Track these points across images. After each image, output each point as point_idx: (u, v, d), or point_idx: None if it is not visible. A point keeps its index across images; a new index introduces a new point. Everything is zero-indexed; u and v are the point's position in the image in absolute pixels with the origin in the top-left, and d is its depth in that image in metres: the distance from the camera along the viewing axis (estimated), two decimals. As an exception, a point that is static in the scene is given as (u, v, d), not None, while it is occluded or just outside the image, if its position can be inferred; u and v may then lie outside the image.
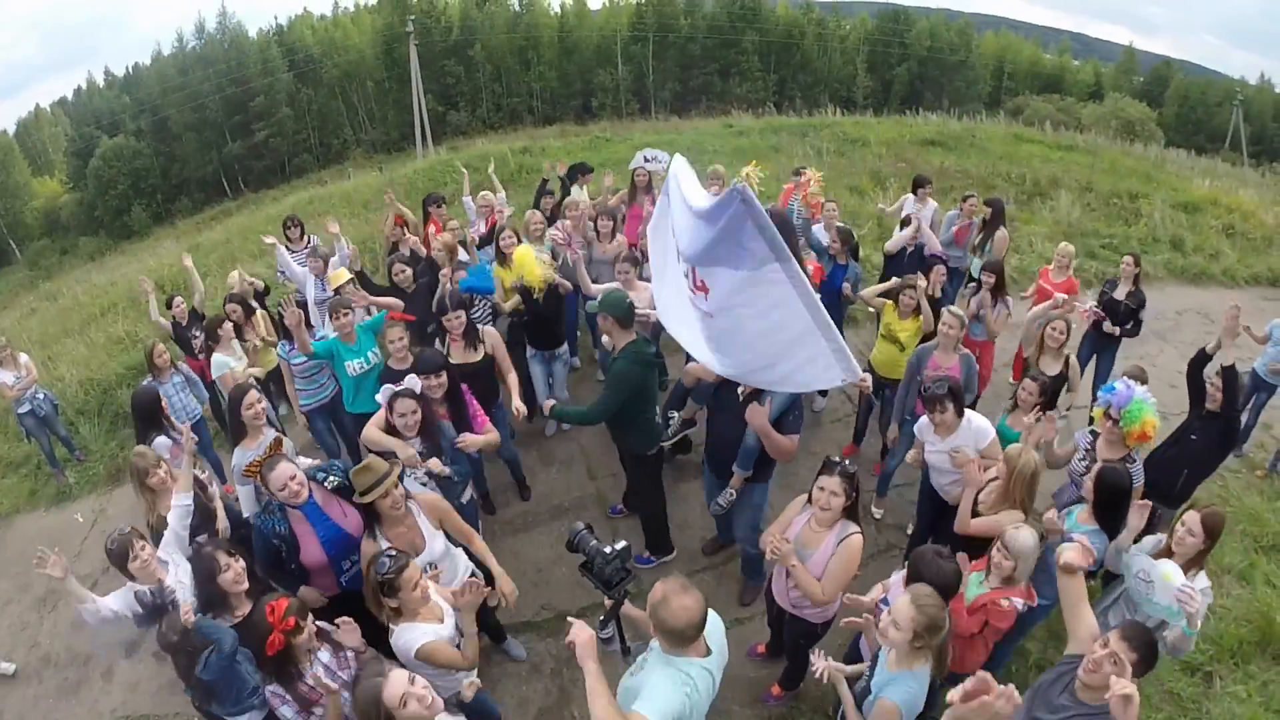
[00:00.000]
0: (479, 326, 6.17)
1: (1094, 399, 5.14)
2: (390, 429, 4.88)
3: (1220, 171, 22.15)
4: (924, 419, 5.16)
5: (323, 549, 4.34)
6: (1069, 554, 3.37)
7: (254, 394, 5.26)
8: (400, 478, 4.27)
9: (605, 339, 5.39)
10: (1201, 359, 5.43)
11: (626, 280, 6.51)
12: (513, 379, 6.06)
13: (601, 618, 3.41)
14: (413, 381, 4.92)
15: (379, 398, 4.92)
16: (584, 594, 5.97)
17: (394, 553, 3.66)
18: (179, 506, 4.57)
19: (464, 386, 5.31)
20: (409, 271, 6.98)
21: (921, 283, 6.44)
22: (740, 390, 4.85)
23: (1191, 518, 3.88)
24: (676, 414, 6.42)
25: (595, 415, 5.34)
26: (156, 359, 6.80)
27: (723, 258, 3.91)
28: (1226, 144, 49.08)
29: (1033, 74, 65.98)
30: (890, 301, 6.57)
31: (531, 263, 6.40)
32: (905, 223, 7.95)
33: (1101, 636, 3.17)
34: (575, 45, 64.76)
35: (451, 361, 5.66)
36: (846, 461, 4.09)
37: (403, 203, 8.49)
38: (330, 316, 6.15)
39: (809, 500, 4.15)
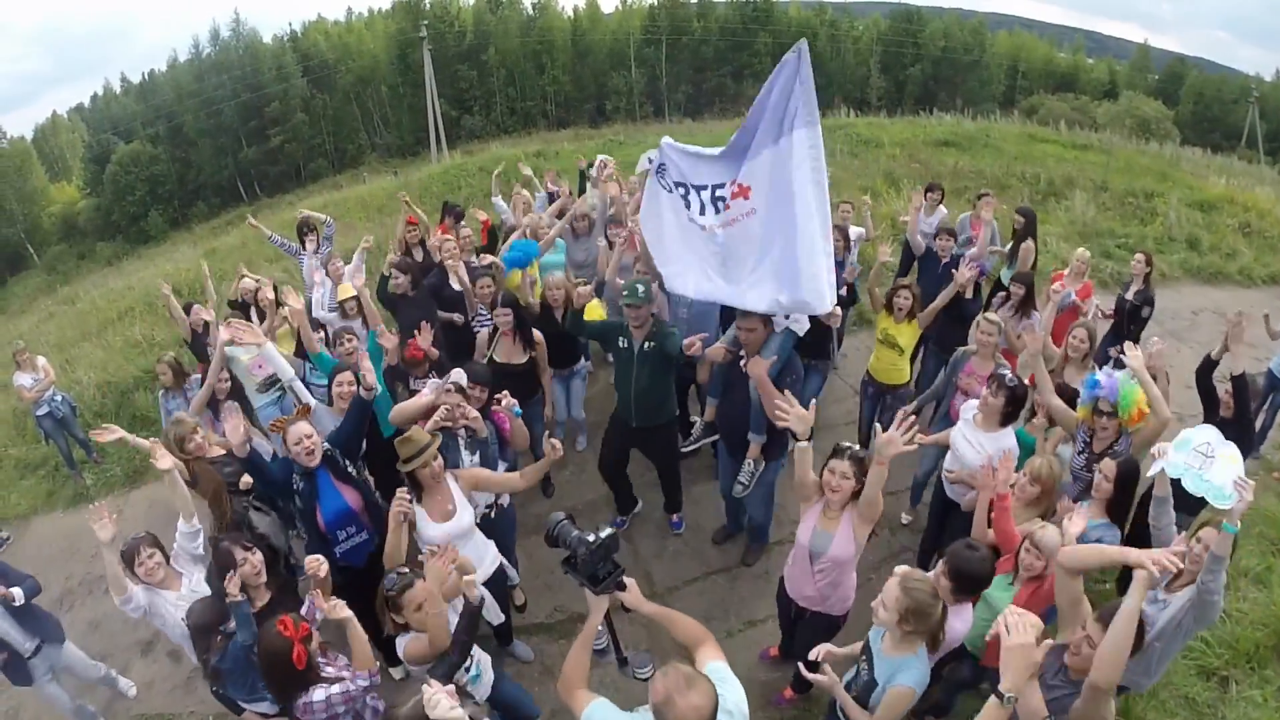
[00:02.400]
0: (533, 330, 6.26)
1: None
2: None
3: (1236, 169, 22.03)
4: (971, 401, 5.26)
5: (322, 516, 4.59)
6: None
7: (348, 374, 5.43)
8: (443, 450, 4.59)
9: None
10: (1208, 365, 5.39)
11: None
12: (547, 380, 6.35)
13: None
14: (458, 375, 5.06)
15: (426, 392, 5.13)
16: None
17: (404, 570, 3.70)
18: (186, 532, 4.70)
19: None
20: (404, 279, 6.90)
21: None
22: (743, 362, 5.04)
23: (1208, 534, 3.79)
24: (699, 418, 6.45)
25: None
26: (161, 376, 6.85)
27: (769, 132, 4.52)
28: (1243, 142, 48.59)
29: (1047, 73, 65.57)
30: (885, 306, 6.46)
31: (597, 309, 6.46)
32: (958, 235, 7.75)
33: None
34: (588, 49, 64.86)
35: (496, 360, 6.01)
36: (856, 446, 4.08)
37: (418, 206, 8.51)
38: (333, 344, 6.12)
39: (819, 491, 4.16)
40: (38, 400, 8.02)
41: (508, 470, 5.29)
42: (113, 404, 9.71)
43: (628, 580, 3.04)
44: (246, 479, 5.21)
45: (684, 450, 6.59)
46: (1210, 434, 3.77)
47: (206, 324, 7.61)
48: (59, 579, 7.11)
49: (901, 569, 3.35)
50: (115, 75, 73.11)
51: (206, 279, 8.44)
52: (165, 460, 4.62)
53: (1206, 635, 5.26)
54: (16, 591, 4.79)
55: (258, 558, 4.15)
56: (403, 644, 3.70)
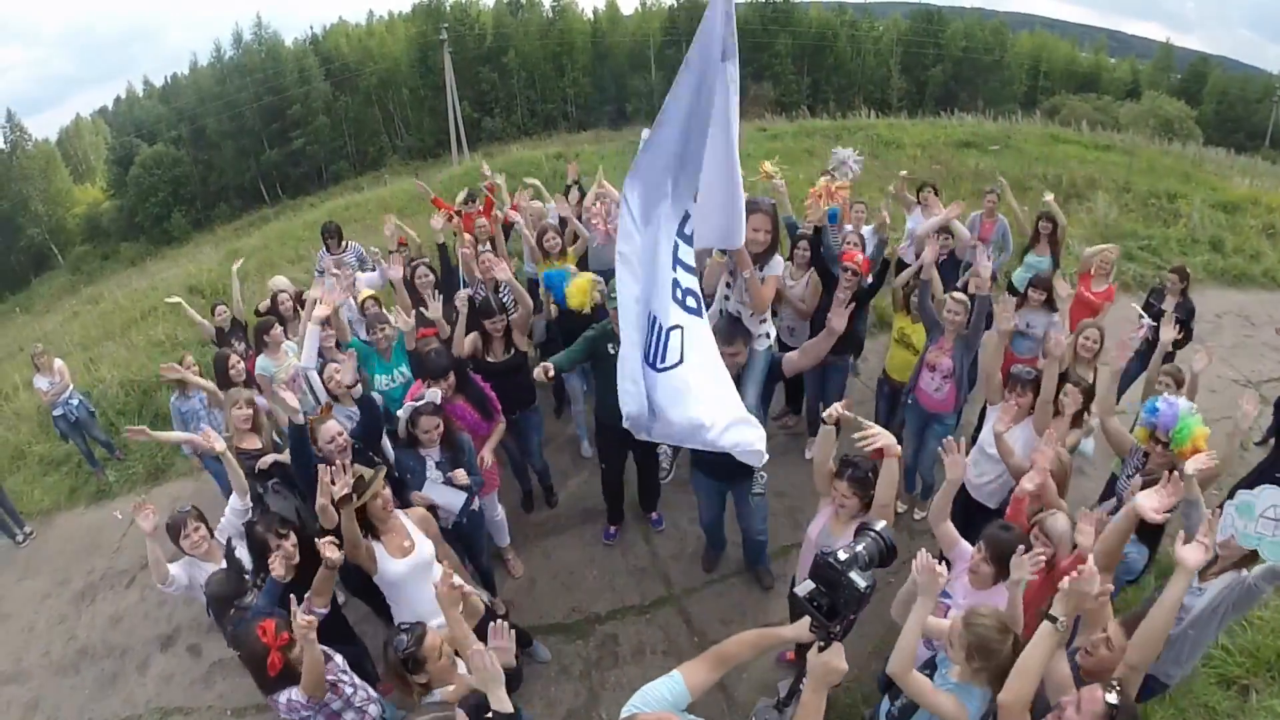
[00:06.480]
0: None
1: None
2: (413, 440, 5.01)
3: (1260, 170, 21.68)
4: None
5: None
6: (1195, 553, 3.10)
7: (336, 365, 5.54)
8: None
9: None
10: None
11: None
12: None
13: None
14: (433, 394, 4.99)
15: (400, 413, 5.02)
16: (613, 597, 6.02)
17: (409, 624, 3.43)
18: (238, 509, 4.90)
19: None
20: (430, 277, 6.82)
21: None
22: None
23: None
24: (669, 449, 6.41)
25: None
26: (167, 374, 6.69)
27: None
28: (1267, 142, 48.04)
29: (1069, 73, 64.90)
30: (903, 307, 6.42)
31: (586, 289, 6.27)
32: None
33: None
34: (608, 51, 64.95)
35: (489, 360, 5.91)
36: (860, 462, 4.04)
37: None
38: (368, 330, 6.13)
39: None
40: (54, 402, 8.15)
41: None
42: (135, 403, 9.82)
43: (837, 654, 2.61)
44: (264, 460, 5.22)
45: (663, 481, 6.60)
46: (1275, 496, 3.64)
47: (234, 319, 7.77)
48: (81, 574, 7.21)
49: (972, 606, 3.28)
50: (138, 78, 74.27)
51: (236, 284, 8.36)
52: (219, 443, 4.89)
53: (1227, 643, 5.19)
54: None
55: (291, 543, 4.23)
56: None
